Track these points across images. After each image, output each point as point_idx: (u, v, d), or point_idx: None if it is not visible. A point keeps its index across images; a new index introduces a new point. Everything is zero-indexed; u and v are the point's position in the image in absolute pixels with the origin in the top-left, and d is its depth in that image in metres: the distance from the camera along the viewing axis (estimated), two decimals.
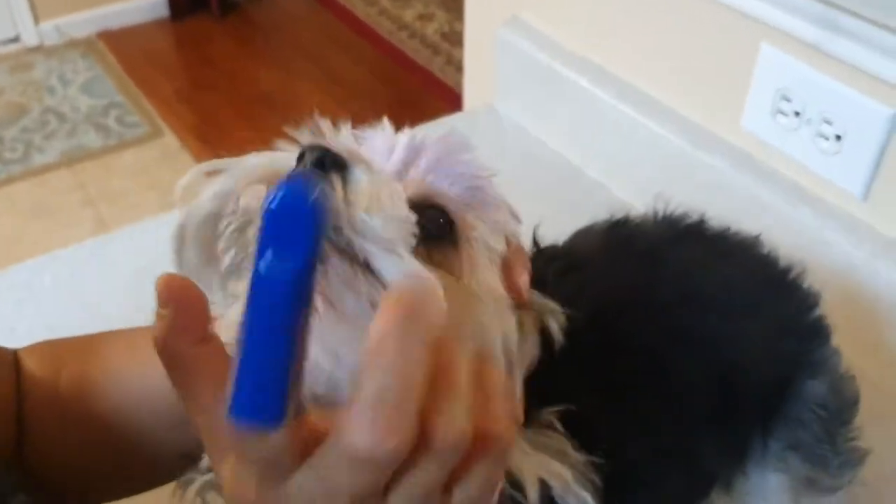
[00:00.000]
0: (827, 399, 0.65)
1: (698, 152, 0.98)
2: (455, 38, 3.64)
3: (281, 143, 0.42)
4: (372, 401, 0.31)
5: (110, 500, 0.64)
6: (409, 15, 3.94)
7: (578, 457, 0.42)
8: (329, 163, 0.36)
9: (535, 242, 0.57)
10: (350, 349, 0.37)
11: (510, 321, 0.42)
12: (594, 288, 0.50)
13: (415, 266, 0.36)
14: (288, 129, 0.42)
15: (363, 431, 0.31)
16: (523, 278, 0.45)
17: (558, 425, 0.43)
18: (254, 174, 0.39)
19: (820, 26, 0.82)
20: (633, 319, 0.51)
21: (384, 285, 0.36)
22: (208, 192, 0.40)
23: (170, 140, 3.17)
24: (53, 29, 3.67)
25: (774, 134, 0.92)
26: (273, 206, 0.29)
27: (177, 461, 0.57)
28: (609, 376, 0.46)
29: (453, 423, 0.33)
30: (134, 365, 0.59)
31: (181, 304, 0.35)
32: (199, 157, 3.03)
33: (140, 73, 3.51)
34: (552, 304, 0.45)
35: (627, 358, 0.50)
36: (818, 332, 0.67)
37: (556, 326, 0.44)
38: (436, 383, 0.32)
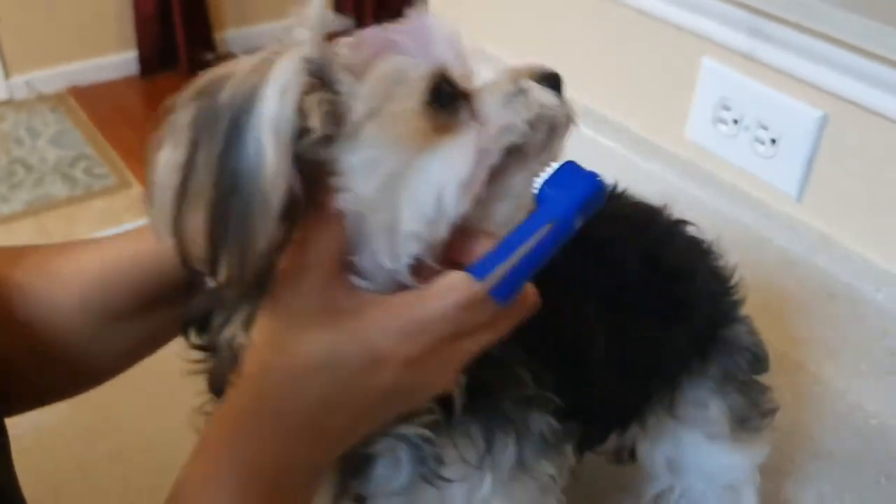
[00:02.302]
0: (750, 343, 0.71)
1: (646, 163, 1.03)
2: None
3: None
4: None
5: (42, 402, 0.67)
6: None
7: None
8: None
9: None
10: None
11: None
12: None
13: None
14: None
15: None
16: None
17: None
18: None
19: (751, 35, 0.89)
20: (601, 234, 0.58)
21: None
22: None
23: (137, 191, 3.19)
24: (24, 84, 3.71)
25: (716, 141, 0.98)
26: (591, 184, 0.43)
27: (103, 366, 0.64)
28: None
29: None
30: (43, 280, 0.62)
31: None
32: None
33: (109, 127, 3.55)
34: None
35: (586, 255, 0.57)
36: (738, 294, 0.73)
37: None
38: None
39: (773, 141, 0.91)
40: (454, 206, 0.43)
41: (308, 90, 0.41)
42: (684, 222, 0.72)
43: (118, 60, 3.92)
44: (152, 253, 0.59)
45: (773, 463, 0.83)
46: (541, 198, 0.43)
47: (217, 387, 0.50)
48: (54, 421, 0.84)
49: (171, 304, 0.60)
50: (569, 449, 0.55)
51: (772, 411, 0.74)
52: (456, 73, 0.45)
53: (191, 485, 0.45)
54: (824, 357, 0.91)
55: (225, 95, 0.40)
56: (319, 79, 0.42)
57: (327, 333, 0.43)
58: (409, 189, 0.42)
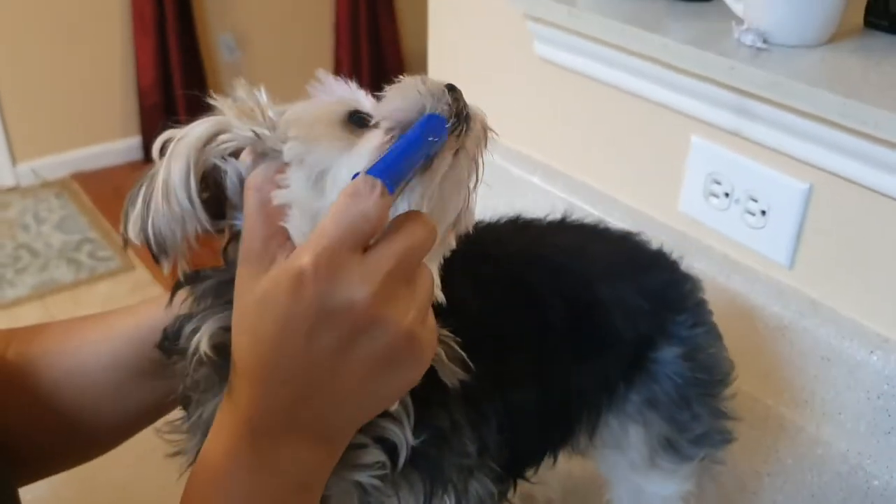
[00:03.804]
0: (682, 367, 0.72)
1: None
2: None
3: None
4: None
5: (55, 469, 0.70)
6: None
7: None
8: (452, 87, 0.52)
9: None
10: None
11: None
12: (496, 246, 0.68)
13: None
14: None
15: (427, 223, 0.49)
16: None
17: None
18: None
19: (736, 114, 0.94)
20: (512, 269, 0.68)
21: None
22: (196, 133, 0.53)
23: (141, 273, 3.24)
24: (29, 171, 3.79)
25: (708, 214, 1.02)
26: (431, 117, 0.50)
27: (114, 431, 0.69)
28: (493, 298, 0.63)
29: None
30: (69, 346, 0.67)
31: None
32: (168, 289, 3.08)
33: (113, 211, 3.61)
34: None
35: (503, 294, 0.65)
36: (682, 304, 0.75)
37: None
38: None
39: (763, 212, 0.96)
40: None
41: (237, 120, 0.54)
42: (625, 236, 0.78)
43: (121, 147, 4.01)
44: None
45: None
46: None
47: (183, 395, 0.58)
48: (72, 500, 0.86)
49: None
50: None
51: (705, 440, 0.74)
52: (370, 110, 0.54)
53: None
54: (823, 419, 0.93)
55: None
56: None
57: (263, 276, 0.49)
58: (333, 180, 0.50)
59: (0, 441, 0.65)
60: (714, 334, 0.77)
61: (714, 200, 1.01)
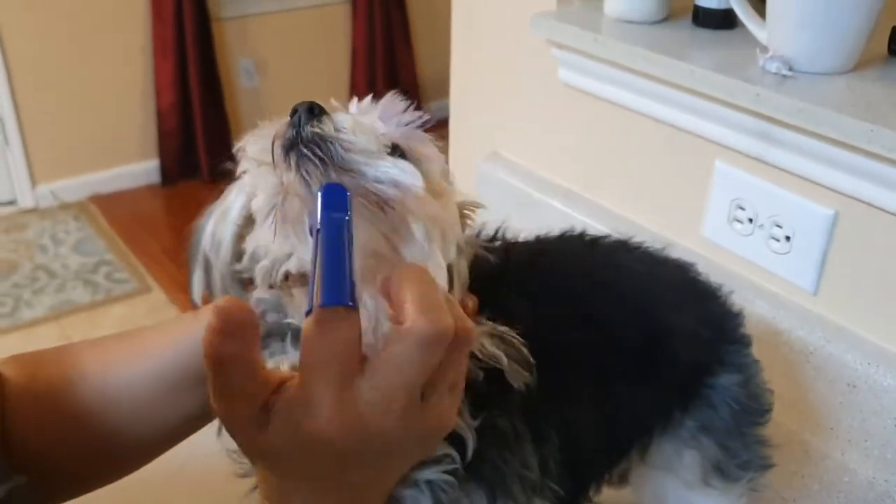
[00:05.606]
0: (739, 394, 0.73)
1: None
2: None
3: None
4: (425, 301, 0.42)
5: (88, 488, 0.70)
6: None
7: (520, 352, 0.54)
8: (317, 111, 0.50)
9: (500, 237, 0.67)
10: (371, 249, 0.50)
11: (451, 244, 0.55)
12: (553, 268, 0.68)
13: (401, 163, 0.51)
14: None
15: (428, 321, 0.41)
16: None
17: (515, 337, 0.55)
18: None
19: (760, 139, 0.94)
20: (579, 286, 0.68)
21: (383, 190, 0.50)
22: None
23: (158, 295, 3.25)
24: (48, 193, 3.83)
25: (732, 239, 1.03)
26: (325, 191, 0.45)
27: (146, 449, 0.69)
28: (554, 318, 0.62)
29: (465, 321, 0.44)
30: (100, 367, 0.68)
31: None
32: (185, 311, 3.09)
33: (130, 234, 3.64)
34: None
35: (567, 309, 0.65)
36: (734, 335, 0.76)
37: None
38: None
39: (788, 238, 0.96)
40: None
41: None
42: (684, 266, 0.78)
43: (139, 169, 4.05)
44: None
45: None
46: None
47: None
48: None
49: None
50: None
51: (750, 465, 0.75)
52: None
53: None
54: (849, 446, 0.93)
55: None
56: None
57: None
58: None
59: (30, 462, 0.66)
60: (758, 365, 0.78)
61: (738, 226, 1.01)
